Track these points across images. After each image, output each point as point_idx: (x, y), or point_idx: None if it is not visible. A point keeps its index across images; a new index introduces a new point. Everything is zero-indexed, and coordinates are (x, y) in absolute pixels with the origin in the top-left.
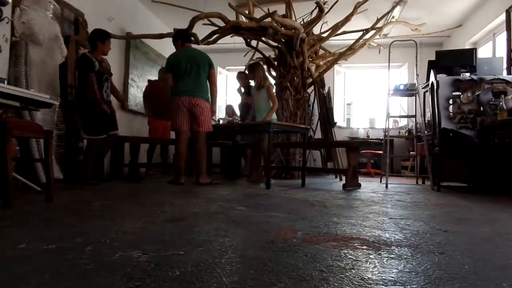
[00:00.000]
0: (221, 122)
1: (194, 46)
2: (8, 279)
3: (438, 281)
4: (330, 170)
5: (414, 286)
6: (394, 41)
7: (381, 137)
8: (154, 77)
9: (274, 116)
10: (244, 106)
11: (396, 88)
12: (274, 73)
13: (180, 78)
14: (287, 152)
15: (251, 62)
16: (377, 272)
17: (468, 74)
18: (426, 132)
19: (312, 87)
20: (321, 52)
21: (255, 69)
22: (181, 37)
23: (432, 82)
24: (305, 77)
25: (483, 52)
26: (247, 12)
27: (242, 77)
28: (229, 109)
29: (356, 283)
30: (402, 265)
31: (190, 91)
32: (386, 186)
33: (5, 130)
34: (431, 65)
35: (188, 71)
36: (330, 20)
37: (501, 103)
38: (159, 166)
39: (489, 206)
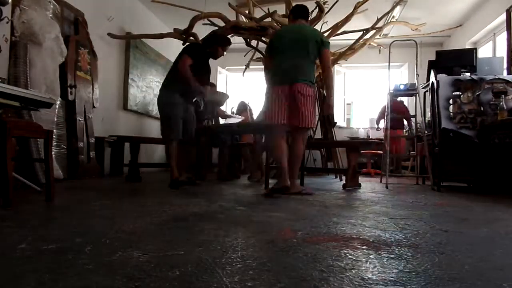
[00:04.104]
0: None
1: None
2: (8, 279)
3: (438, 281)
4: (330, 170)
5: (414, 286)
6: (394, 41)
7: (381, 137)
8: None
9: None
10: None
11: (396, 88)
12: None
13: (279, 60)
14: None
15: None
16: (377, 272)
17: (468, 74)
18: (426, 132)
19: None
20: None
21: None
22: (293, 12)
23: (432, 82)
24: None
25: (483, 52)
26: (247, 12)
27: None
28: (242, 106)
29: (356, 283)
30: (402, 265)
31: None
32: (386, 186)
33: (5, 130)
34: (431, 65)
35: (288, 51)
36: (330, 20)
37: (501, 103)
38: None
39: (489, 206)
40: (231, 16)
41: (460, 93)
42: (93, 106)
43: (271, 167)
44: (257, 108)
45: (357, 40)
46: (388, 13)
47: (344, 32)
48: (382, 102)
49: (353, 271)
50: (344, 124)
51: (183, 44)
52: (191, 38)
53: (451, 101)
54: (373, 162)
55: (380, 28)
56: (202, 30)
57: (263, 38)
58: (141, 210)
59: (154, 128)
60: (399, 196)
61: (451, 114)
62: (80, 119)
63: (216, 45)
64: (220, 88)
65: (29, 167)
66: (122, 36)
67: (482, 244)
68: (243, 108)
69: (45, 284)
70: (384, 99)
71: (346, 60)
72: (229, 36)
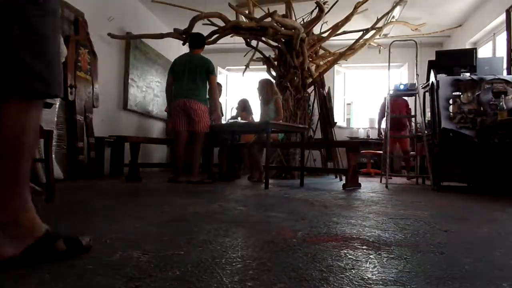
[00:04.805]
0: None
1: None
2: (8, 279)
3: (438, 281)
4: (330, 170)
5: (414, 286)
6: (394, 41)
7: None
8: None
9: None
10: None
11: (396, 88)
12: (274, 73)
13: (177, 81)
14: (287, 152)
15: (262, 78)
16: (377, 272)
17: (468, 74)
18: (426, 132)
19: (312, 87)
20: (321, 52)
21: (266, 86)
22: (190, 42)
23: (432, 82)
24: (305, 77)
25: (483, 52)
26: (247, 12)
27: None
28: (241, 104)
29: (356, 283)
30: (402, 265)
31: (185, 94)
32: (386, 186)
33: None
34: (431, 65)
35: (182, 75)
36: (330, 20)
37: (501, 103)
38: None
39: (489, 206)
40: (231, 16)
41: (460, 93)
42: (93, 106)
43: (271, 167)
44: (256, 107)
45: (357, 40)
46: (388, 13)
47: (344, 32)
48: (380, 100)
49: (353, 271)
50: (344, 124)
51: (183, 44)
52: (200, 43)
53: (451, 101)
54: (373, 162)
55: (380, 28)
56: (202, 30)
57: (263, 38)
58: (141, 210)
59: (154, 128)
60: (399, 196)
61: (451, 114)
62: (80, 119)
63: None
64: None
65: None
66: (122, 36)
67: (482, 244)
68: (243, 106)
69: (45, 284)
70: (382, 98)
71: (346, 60)
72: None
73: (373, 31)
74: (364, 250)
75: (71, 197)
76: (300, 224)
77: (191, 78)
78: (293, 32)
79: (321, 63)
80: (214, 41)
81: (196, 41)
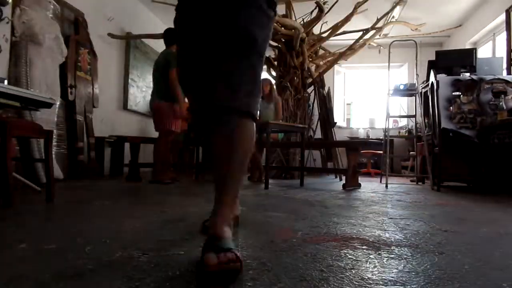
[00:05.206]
0: None
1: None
2: (8, 279)
3: (438, 281)
4: (330, 170)
5: (414, 286)
6: (394, 41)
7: (381, 137)
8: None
9: None
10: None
11: (396, 88)
12: (274, 73)
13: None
14: (287, 152)
15: (263, 78)
16: (377, 272)
17: (468, 74)
18: (426, 132)
19: (312, 87)
20: (321, 52)
21: (267, 86)
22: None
23: (432, 82)
24: (305, 77)
25: (483, 52)
26: None
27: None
28: None
29: (356, 283)
30: (402, 265)
31: (151, 95)
32: (386, 186)
33: (5, 130)
34: (431, 65)
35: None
36: (330, 20)
37: (501, 103)
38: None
39: (489, 206)
40: None
41: (460, 93)
42: (93, 106)
43: (271, 167)
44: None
45: (357, 40)
46: (388, 13)
47: (344, 32)
48: (381, 100)
49: (353, 271)
50: (344, 124)
51: None
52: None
53: (451, 101)
54: (373, 162)
55: (380, 28)
56: None
57: None
58: (141, 210)
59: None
60: (399, 196)
61: (451, 114)
62: (80, 119)
63: None
64: None
65: (29, 167)
66: (122, 36)
67: (482, 244)
68: None
69: (45, 284)
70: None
71: (346, 60)
72: None
73: (373, 31)
74: (364, 250)
75: (71, 197)
76: (300, 224)
77: (154, 78)
78: (293, 32)
79: (321, 63)
80: None
81: (165, 37)
